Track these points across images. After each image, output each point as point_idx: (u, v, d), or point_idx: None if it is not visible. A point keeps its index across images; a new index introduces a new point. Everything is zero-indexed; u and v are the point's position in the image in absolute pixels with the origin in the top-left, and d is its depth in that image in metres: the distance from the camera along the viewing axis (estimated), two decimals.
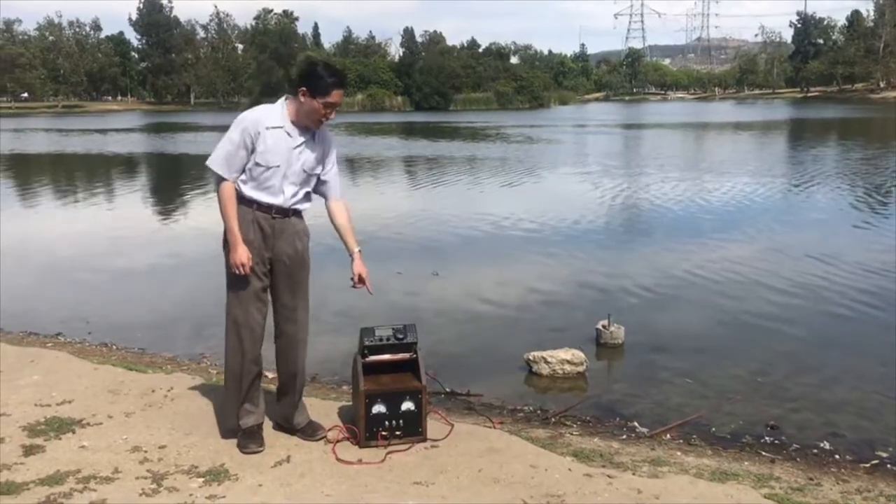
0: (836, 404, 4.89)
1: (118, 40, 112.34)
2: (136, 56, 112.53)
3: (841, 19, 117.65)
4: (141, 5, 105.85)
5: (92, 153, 29.59)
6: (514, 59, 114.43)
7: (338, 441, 3.72)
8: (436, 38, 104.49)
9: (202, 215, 13.06)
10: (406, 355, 3.85)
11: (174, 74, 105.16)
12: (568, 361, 5.40)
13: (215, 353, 5.45)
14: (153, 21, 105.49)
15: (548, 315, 6.99)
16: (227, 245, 3.57)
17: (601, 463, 3.68)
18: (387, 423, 3.70)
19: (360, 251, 3.76)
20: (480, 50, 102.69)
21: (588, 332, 6.14)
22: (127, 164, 25.57)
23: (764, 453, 4.14)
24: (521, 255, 9.61)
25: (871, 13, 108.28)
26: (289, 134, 3.56)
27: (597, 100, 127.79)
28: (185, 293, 7.95)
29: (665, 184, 16.34)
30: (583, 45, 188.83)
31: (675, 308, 7.19)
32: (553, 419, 4.55)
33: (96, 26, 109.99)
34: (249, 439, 3.67)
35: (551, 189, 16.64)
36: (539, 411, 4.72)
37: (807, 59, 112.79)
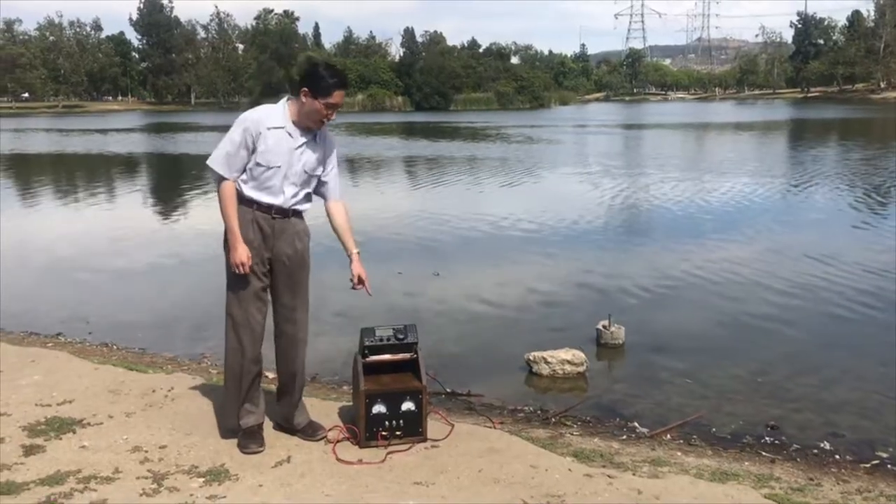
0: (836, 404, 4.89)
1: (119, 40, 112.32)
2: (137, 56, 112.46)
3: (841, 20, 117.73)
4: (141, 5, 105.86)
5: (92, 153, 29.60)
6: (514, 60, 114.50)
7: (338, 441, 3.73)
8: (436, 39, 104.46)
9: (202, 215, 13.07)
10: (406, 355, 3.86)
11: (175, 74, 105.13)
12: (568, 362, 5.40)
13: (216, 353, 5.45)
14: (154, 21, 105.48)
15: (548, 315, 7.00)
16: (227, 245, 3.58)
17: (601, 463, 3.68)
18: (387, 423, 3.70)
19: (358, 253, 3.76)
20: (481, 50, 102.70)
21: (588, 333, 6.14)
22: (127, 164, 25.58)
23: (764, 453, 4.14)
24: (522, 255, 9.61)
25: (872, 13, 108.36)
26: (290, 134, 3.56)
27: (597, 100, 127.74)
28: (186, 293, 7.96)
29: (665, 184, 16.35)
30: (583, 45, 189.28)
31: (676, 308, 7.19)
32: (553, 419, 4.55)
33: (97, 26, 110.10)
34: (250, 439, 3.67)
35: (551, 189, 16.65)
36: (539, 411, 4.72)
37: (807, 59, 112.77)
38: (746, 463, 3.93)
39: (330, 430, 3.85)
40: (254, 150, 3.53)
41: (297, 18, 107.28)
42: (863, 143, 28.69)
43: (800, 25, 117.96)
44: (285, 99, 3.65)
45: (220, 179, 3.56)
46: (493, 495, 3.27)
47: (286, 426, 3.86)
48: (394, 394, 3.73)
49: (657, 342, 6.13)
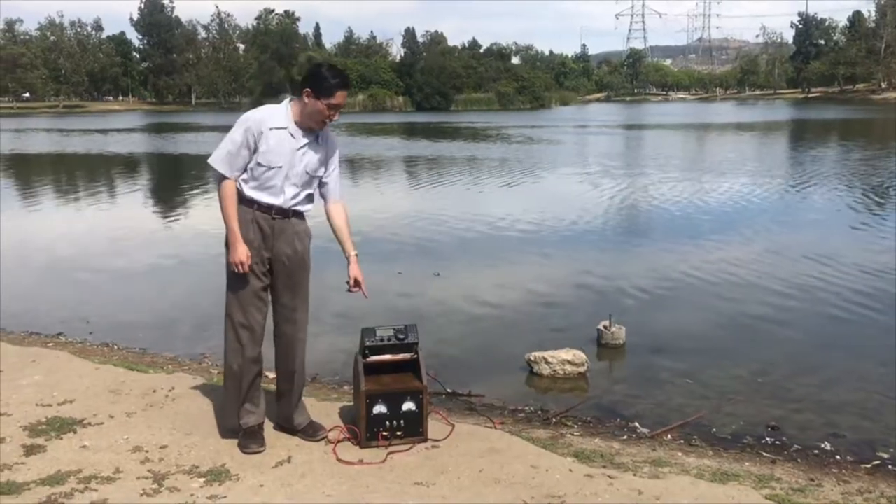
0: (836, 405, 4.89)
1: (119, 40, 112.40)
2: (138, 56, 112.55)
3: (842, 20, 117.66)
4: (142, 5, 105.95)
5: (92, 153, 29.61)
6: (515, 60, 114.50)
7: (339, 441, 3.73)
8: (437, 39, 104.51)
9: (203, 215, 13.07)
10: (407, 356, 3.86)
11: (175, 74, 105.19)
12: (569, 362, 5.40)
13: (216, 353, 5.44)
14: (154, 21, 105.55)
15: (548, 315, 7.00)
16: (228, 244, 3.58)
17: (602, 463, 3.68)
18: (388, 423, 3.70)
19: (356, 255, 3.76)
20: (481, 50, 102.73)
21: (589, 333, 6.14)
22: (128, 164, 25.58)
23: (765, 454, 4.14)
24: (522, 255, 9.61)
25: (873, 14, 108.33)
26: (292, 135, 3.56)
27: (598, 100, 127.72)
28: (186, 293, 7.96)
29: (666, 184, 16.35)
30: (584, 45, 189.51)
31: (676, 309, 7.19)
32: (554, 420, 4.55)
33: (98, 26, 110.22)
34: (250, 439, 3.67)
35: (552, 189, 16.65)
36: (540, 412, 4.72)
37: (808, 59, 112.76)
38: (747, 463, 3.92)
39: (330, 430, 3.85)
40: (255, 150, 3.53)
41: (298, 19, 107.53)
42: (863, 143, 28.68)
43: (801, 26, 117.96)
44: (288, 99, 3.65)
45: (221, 178, 3.57)
46: (493, 496, 3.27)
47: (287, 426, 3.86)
48: (394, 394, 3.73)
49: (658, 343, 6.13)
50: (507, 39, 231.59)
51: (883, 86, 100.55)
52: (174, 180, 21.07)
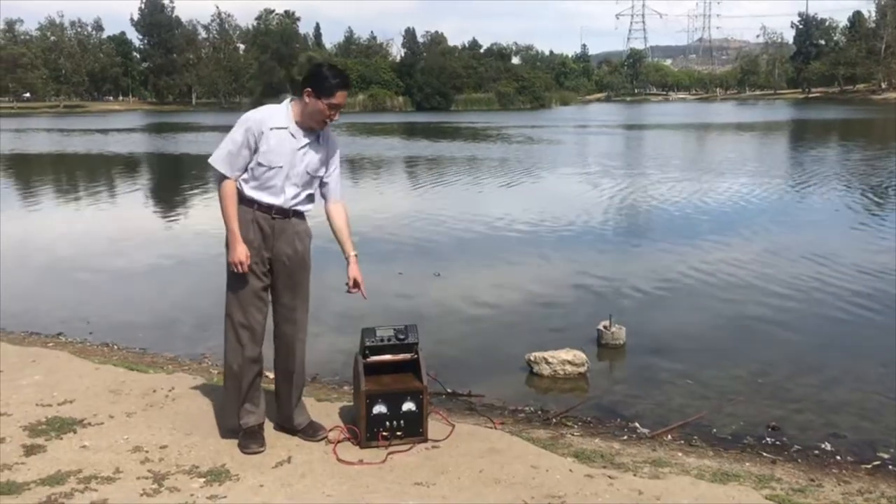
0: (837, 405, 4.89)
1: (120, 40, 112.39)
2: (138, 56, 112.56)
3: (842, 20, 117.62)
4: (142, 5, 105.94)
5: (93, 153, 29.61)
6: (515, 60, 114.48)
7: (339, 441, 3.72)
8: (437, 39, 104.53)
9: (203, 215, 13.07)
10: (407, 356, 3.86)
11: (176, 74, 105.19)
12: (569, 362, 5.40)
13: (216, 353, 5.44)
14: (155, 21, 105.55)
15: (549, 316, 6.99)
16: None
17: (602, 464, 3.68)
18: (388, 423, 3.70)
19: (356, 255, 3.76)
20: (482, 50, 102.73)
21: (589, 333, 6.14)
22: (128, 164, 25.58)
23: (765, 454, 4.14)
24: (522, 255, 9.61)
25: (873, 14, 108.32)
26: (293, 135, 3.56)
27: (598, 100, 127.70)
28: (186, 293, 7.96)
29: (666, 184, 16.34)
30: (584, 45, 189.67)
31: (676, 309, 7.18)
32: (554, 420, 4.55)
33: (98, 26, 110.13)
34: (250, 439, 3.67)
35: (552, 190, 16.65)
36: (540, 412, 4.71)
37: (808, 59, 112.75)
38: (747, 464, 3.92)
39: (331, 430, 3.84)
40: (256, 150, 3.53)
41: (298, 19, 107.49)
42: (863, 143, 28.67)
43: (801, 26, 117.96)
44: (288, 99, 3.65)
45: (221, 178, 3.57)
46: (494, 496, 3.27)
47: (287, 426, 3.86)
48: (395, 394, 3.73)
49: (658, 343, 6.12)
50: (508, 39, 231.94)
51: (883, 86, 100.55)
52: (174, 180, 21.07)
